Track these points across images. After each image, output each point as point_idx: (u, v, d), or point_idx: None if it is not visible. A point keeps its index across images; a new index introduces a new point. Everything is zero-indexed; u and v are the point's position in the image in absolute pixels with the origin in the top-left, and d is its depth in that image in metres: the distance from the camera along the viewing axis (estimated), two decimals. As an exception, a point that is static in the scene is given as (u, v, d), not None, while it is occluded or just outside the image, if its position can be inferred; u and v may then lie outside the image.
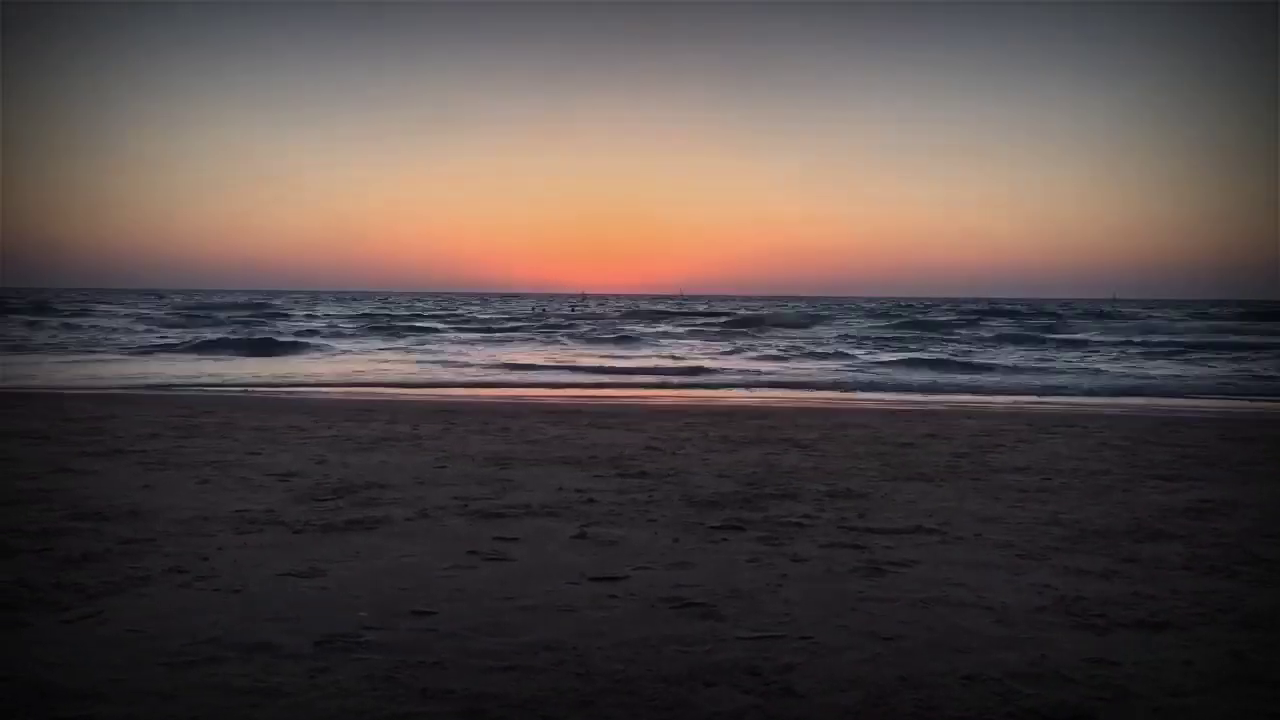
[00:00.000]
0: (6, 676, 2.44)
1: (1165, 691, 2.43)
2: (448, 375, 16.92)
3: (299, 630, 2.82)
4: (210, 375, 15.63)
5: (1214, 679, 2.53)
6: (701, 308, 63.32)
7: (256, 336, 26.37)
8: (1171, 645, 2.79)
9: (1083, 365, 20.23)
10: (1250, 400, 13.37)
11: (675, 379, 16.38)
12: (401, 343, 26.99)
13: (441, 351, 23.33)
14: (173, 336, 26.79)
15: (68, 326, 30.95)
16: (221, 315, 38.81)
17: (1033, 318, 42.22)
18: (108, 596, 3.14)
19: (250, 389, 13.13)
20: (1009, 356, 22.59)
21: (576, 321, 39.37)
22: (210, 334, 27.23)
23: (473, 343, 27.20)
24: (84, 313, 39.48)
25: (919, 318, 42.01)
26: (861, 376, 17.07)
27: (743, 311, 51.55)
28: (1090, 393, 14.44)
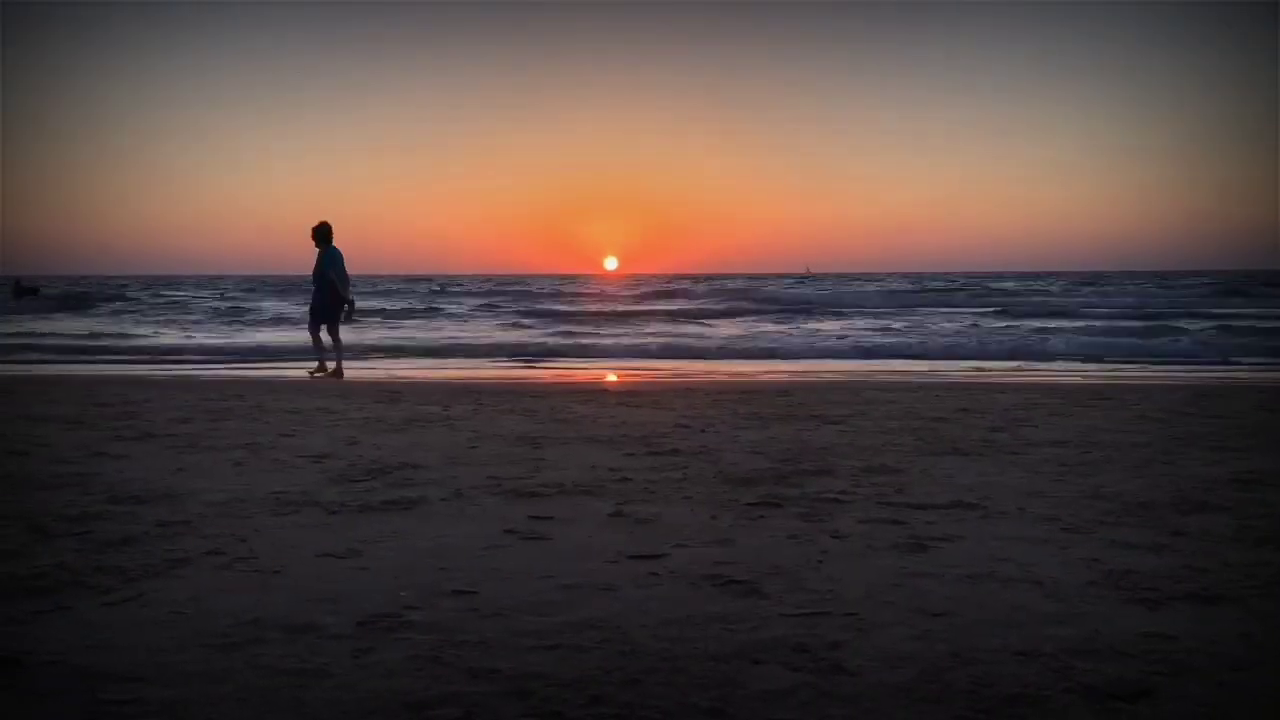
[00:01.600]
0: (51, 660, 2.43)
1: (1226, 665, 2.37)
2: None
3: (341, 611, 2.80)
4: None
5: (1274, 652, 2.48)
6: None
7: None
8: (1227, 619, 2.73)
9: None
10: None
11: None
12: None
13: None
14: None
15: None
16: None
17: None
18: (148, 579, 3.13)
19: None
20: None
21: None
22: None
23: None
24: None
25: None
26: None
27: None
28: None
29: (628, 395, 9.37)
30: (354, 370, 13.23)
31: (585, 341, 22.16)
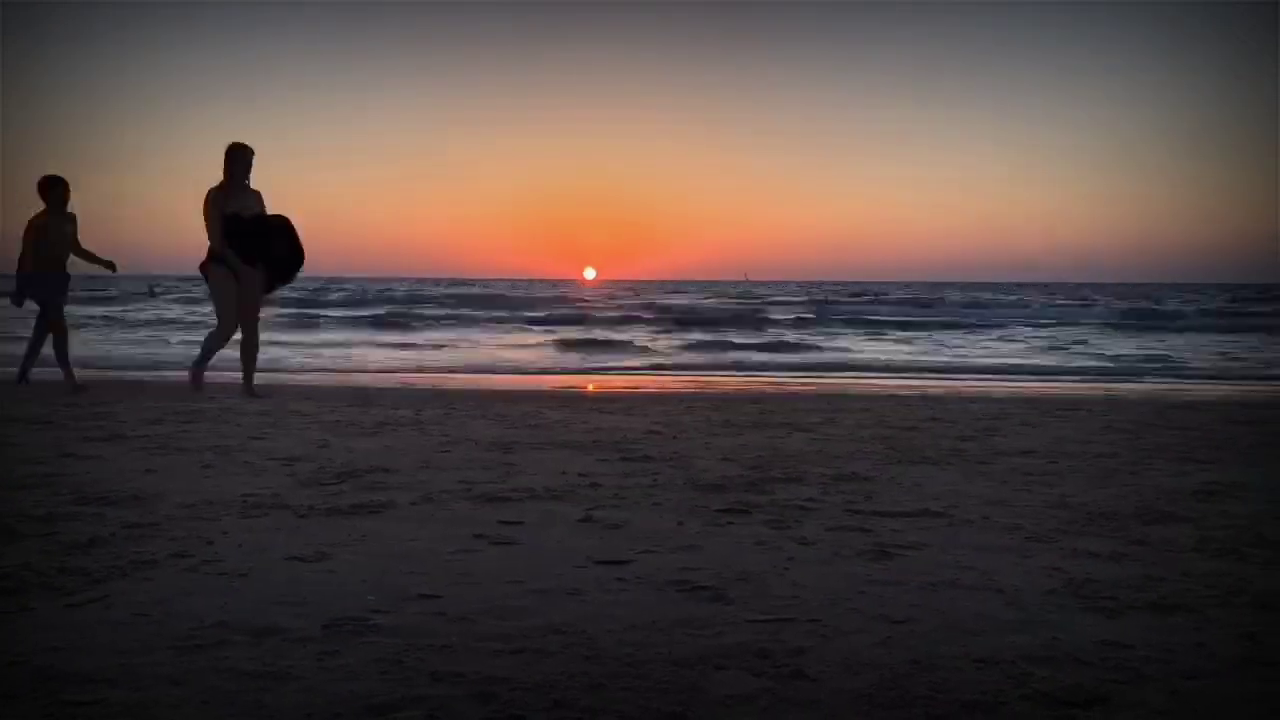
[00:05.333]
0: (12, 661, 2.42)
1: (1180, 674, 2.42)
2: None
3: (306, 614, 2.81)
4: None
5: (1228, 662, 2.52)
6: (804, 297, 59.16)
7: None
8: (1184, 628, 2.78)
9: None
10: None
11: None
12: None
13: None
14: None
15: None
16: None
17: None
18: (113, 581, 3.12)
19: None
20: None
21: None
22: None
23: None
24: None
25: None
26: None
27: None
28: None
29: (602, 401, 9.40)
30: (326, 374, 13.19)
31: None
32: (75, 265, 9.86)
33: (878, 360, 18.78)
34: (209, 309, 10.76)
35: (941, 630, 2.73)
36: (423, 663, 2.45)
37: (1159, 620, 2.84)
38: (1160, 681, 2.37)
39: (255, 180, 9.29)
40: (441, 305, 40.44)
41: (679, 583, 3.17)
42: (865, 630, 2.73)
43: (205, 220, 9.16)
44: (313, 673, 2.38)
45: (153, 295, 38.50)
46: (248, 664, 2.43)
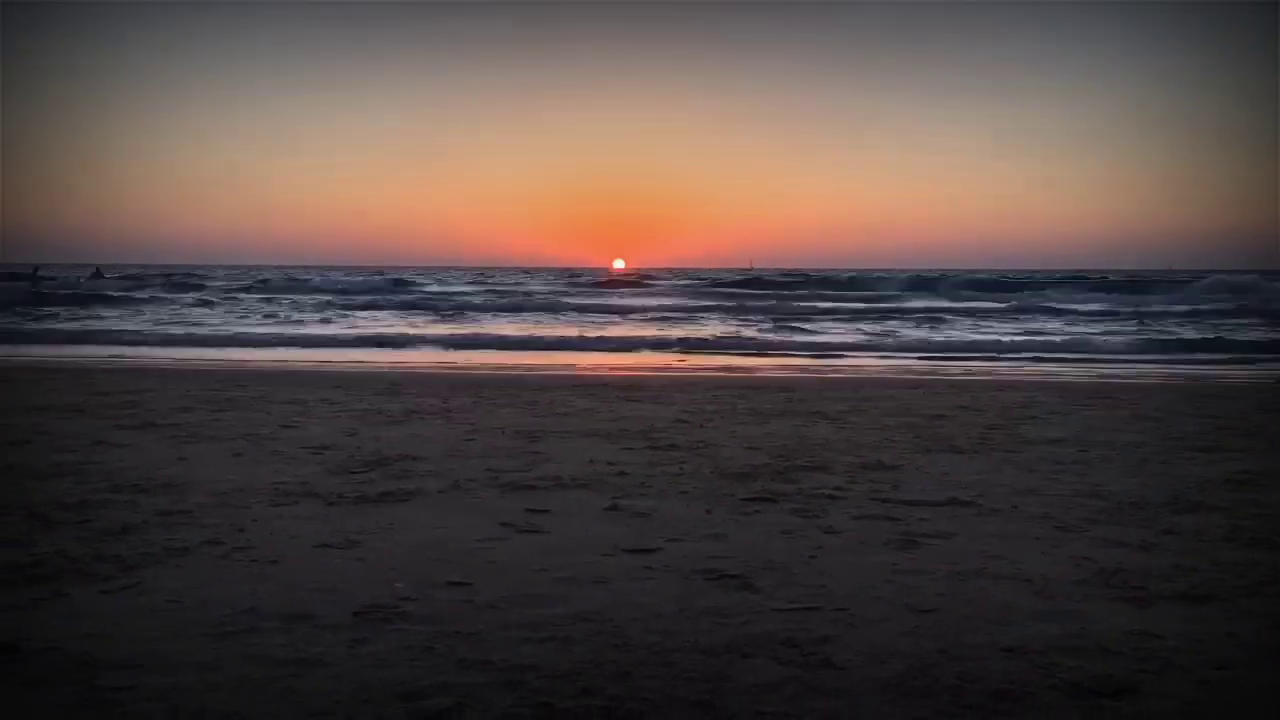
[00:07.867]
0: (49, 647, 2.46)
1: (1210, 664, 2.40)
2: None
3: (337, 601, 2.84)
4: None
5: (1259, 651, 2.50)
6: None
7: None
8: (1214, 618, 2.76)
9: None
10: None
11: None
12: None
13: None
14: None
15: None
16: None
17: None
18: (147, 568, 3.17)
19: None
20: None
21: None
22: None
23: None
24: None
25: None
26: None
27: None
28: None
29: (628, 389, 9.40)
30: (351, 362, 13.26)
31: None
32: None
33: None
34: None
35: (969, 619, 2.72)
36: (452, 650, 2.47)
37: (1189, 610, 2.82)
38: (1190, 671, 2.36)
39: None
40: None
41: (706, 571, 3.18)
42: (892, 619, 2.73)
43: None
44: (343, 659, 2.40)
45: (35, 279, 40.01)
46: (279, 650, 2.45)
